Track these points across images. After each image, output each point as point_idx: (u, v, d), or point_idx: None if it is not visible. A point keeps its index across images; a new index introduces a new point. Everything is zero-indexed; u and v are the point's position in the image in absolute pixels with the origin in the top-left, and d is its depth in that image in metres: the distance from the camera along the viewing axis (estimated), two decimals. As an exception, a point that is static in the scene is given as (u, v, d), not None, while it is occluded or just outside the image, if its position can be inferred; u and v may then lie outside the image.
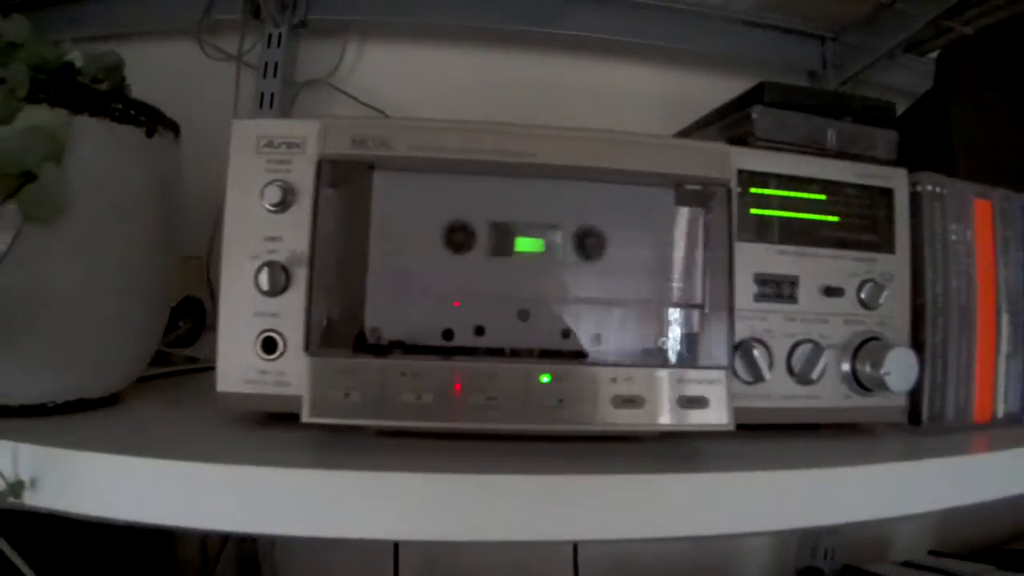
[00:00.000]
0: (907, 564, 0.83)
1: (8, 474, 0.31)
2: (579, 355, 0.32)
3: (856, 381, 0.39)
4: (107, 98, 0.37)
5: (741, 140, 0.39)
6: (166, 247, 0.41)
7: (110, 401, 0.41)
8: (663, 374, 0.31)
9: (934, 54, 0.86)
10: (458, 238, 0.32)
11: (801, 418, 0.38)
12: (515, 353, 0.31)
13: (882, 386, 0.38)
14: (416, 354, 0.31)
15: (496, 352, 0.31)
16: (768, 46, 0.89)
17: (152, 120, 0.39)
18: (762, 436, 0.38)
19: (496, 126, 0.32)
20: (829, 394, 0.38)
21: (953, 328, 0.44)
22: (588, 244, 0.32)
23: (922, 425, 0.42)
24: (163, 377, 0.52)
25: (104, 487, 0.31)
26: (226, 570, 0.83)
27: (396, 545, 0.77)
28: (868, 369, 0.38)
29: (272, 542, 0.82)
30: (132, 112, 0.38)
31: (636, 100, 0.91)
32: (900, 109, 0.84)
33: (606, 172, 0.32)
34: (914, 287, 0.42)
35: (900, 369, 0.38)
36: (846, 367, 0.39)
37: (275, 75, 0.81)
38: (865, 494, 0.33)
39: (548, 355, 0.31)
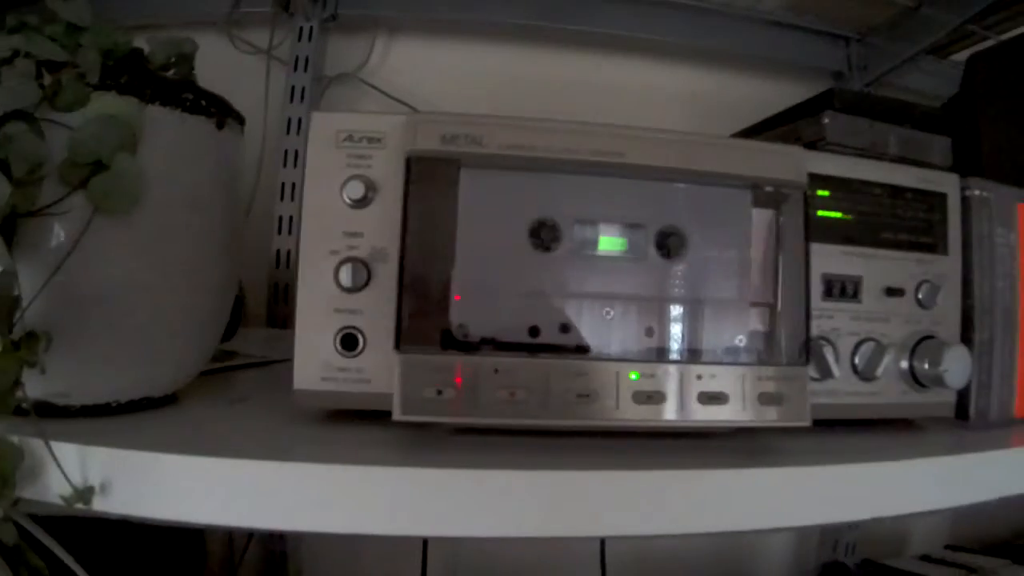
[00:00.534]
0: (925, 558, 0.85)
1: (76, 479, 0.30)
2: (661, 352, 0.33)
3: (913, 378, 0.40)
4: (179, 87, 0.36)
5: (810, 144, 0.40)
6: (233, 241, 0.41)
7: (170, 399, 0.40)
8: (746, 371, 0.32)
9: (955, 57, 0.88)
10: (544, 236, 0.33)
11: (863, 414, 0.39)
12: (601, 351, 0.32)
13: (939, 382, 0.39)
14: (505, 351, 0.32)
15: (581, 349, 0.32)
16: (794, 47, 0.91)
17: (222, 111, 0.39)
18: (821, 431, 0.39)
19: (587, 125, 0.33)
20: (888, 390, 0.40)
21: (998, 328, 0.45)
22: (670, 243, 0.33)
23: (970, 420, 0.44)
24: (213, 373, 0.52)
25: (182, 490, 0.30)
26: (250, 564, 0.83)
27: (425, 541, 0.77)
28: (926, 367, 0.39)
29: (299, 538, 0.83)
30: (203, 103, 0.37)
31: (662, 97, 0.92)
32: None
33: (690, 173, 0.33)
34: (964, 288, 0.43)
35: (957, 366, 0.39)
36: (904, 364, 0.40)
37: (306, 69, 0.82)
38: (939, 484, 0.34)
39: (631, 352, 0.32)
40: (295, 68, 0.82)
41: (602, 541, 0.79)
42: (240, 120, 0.42)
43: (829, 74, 0.94)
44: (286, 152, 0.80)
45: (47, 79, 0.33)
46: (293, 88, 0.82)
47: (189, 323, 0.38)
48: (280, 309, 0.81)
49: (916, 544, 0.93)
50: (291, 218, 0.81)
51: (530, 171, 0.33)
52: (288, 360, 0.58)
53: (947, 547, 0.90)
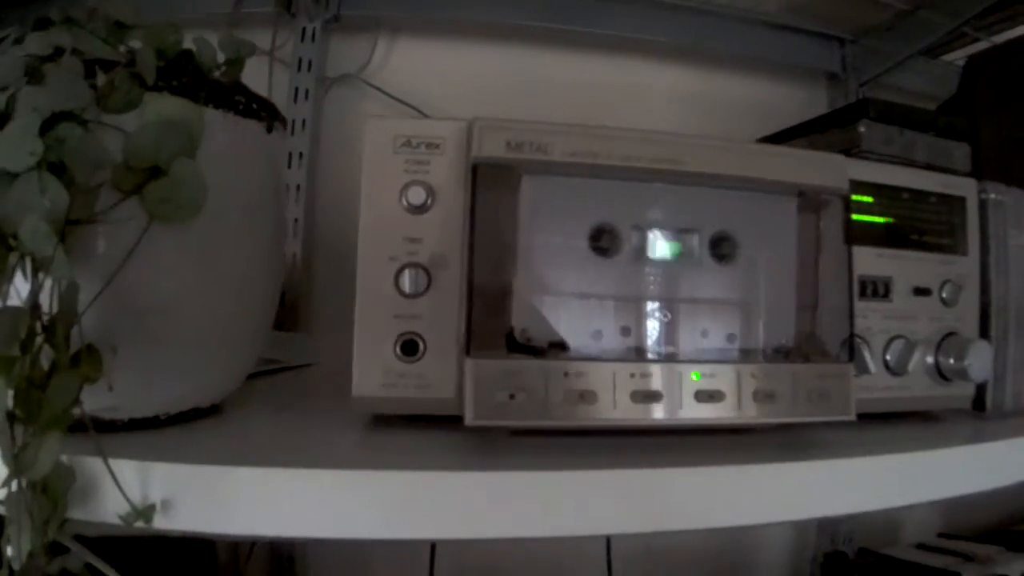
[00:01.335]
0: (920, 546, 0.89)
1: (135, 497, 0.29)
2: (718, 353, 0.34)
3: (939, 372, 0.43)
4: (231, 90, 0.36)
5: (844, 151, 0.43)
6: (279, 247, 0.41)
7: (214, 409, 0.39)
8: (796, 369, 0.34)
9: (947, 57, 0.92)
10: (604, 242, 0.34)
11: (893, 407, 0.42)
12: (661, 352, 0.34)
13: (963, 376, 0.42)
14: (572, 355, 0.33)
15: (642, 351, 0.34)
16: (790, 48, 0.94)
17: (271, 115, 0.39)
18: (854, 425, 0.41)
19: (647, 134, 0.34)
20: (916, 385, 0.42)
21: (1012, 324, 0.48)
22: (722, 248, 0.35)
23: (987, 411, 0.46)
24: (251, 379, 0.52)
25: (253, 503, 0.29)
26: (256, 567, 0.84)
27: (433, 545, 0.79)
28: (951, 362, 0.42)
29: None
30: (254, 106, 0.37)
31: (661, 97, 0.95)
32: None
33: (743, 180, 0.35)
34: (981, 286, 0.46)
35: (980, 361, 0.42)
36: (930, 360, 0.43)
37: (309, 70, 0.82)
38: (966, 471, 0.37)
39: (690, 353, 0.34)
40: (298, 69, 0.82)
41: (608, 539, 0.81)
42: (284, 124, 0.42)
43: (824, 75, 0.97)
44: (290, 154, 0.81)
45: (99, 78, 0.32)
46: (296, 89, 0.82)
47: (240, 331, 0.38)
48: (286, 312, 0.82)
49: (910, 533, 0.97)
50: (295, 220, 0.81)
51: (590, 177, 0.34)
52: (310, 365, 0.59)
53: (940, 535, 0.95)
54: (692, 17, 0.90)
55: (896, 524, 0.98)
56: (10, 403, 0.27)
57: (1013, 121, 0.67)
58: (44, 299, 0.28)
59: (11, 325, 0.28)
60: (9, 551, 0.28)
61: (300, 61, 0.82)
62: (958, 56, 0.92)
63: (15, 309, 0.28)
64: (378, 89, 0.86)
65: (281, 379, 0.54)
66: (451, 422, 0.35)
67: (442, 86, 0.89)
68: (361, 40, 0.88)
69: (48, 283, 0.28)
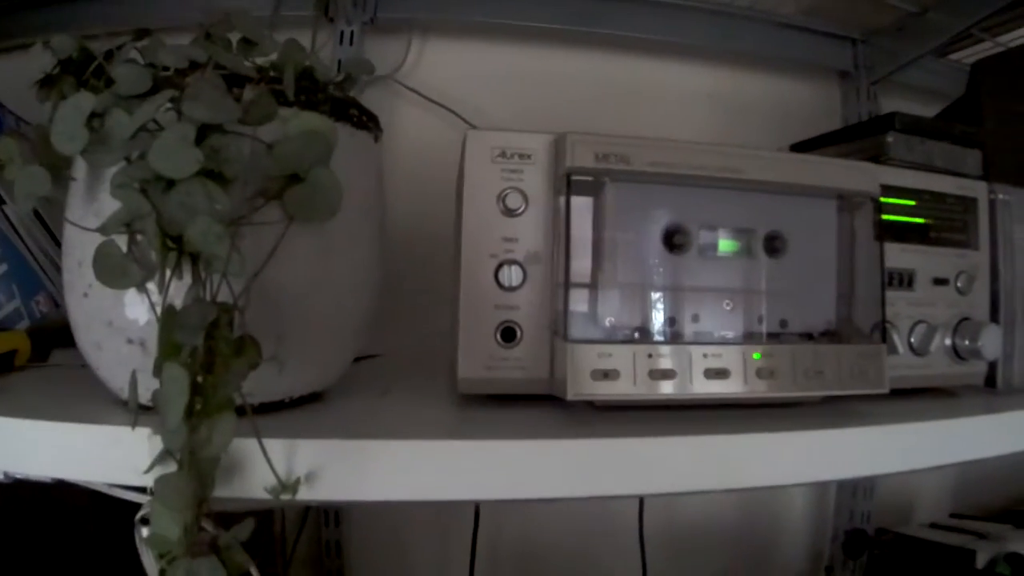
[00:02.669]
0: (933, 525, 0.98)
1: (281, 470, 0.33)
2: (774, 336, 0.43)
3: (955, 352, 0.51)
4: (348, 104, 0.43)
5: (874, 159, 0.51)
6: (383, 244, 0.48)
7: (320, 395, 0.45)
8: (839, 349, 0.42)
9: (954, 56, 1.00)
10: (677, 240, 0.42)
11: (916, 383, 0.50)
12: (726, 336, 0.42)
13: (977, 355, 0.51)
14: (653, 339, 0.41)
15: (709, 335, 0.42)
16: (806, 48, 1.02)
17: (376, 126, 0.46)
18: (883, 399, 0.49)
19: (714, 146, 0.42)
20: (935, 364, 0.51)
21: (1019, 309, 0.57)
22: (775, 245, 0.43)
23: (998, 387, 0.55)
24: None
25: (383, 472, 0.35)
26: (301, 551, 0.91)
27: (476, 523, 0.86)
28: (966, 343, 0.51)
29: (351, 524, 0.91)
30: (364, 118, 0.44)
31: (683, 97, 1.03)
32: (920, 106, 0.98)
33: (793, 186, 0.43)
34: (992, 276, 0.55)
35: (991, 342, 0.51)
36: (948, 341, 0.51)
37: (348, 72, 0.89)
38: (988, 438, 0.45)
39: (751, 336, 0.42)
40: (337, 71, 0.89)
41: (641, 501, 0.89)
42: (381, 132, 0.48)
43: (837, 73, 1.06)
44: (330, 154, 0.87)
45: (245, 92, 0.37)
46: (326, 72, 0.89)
47: (355, 321, 0.45)
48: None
49: (923, 514, 1.07)
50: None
51: (664, 184, 0.42)
52: (378, 355, 0.66)
53: (952, 515, 1.04)
54: (712, 18, 0.98)
55: (908, 505, 1.08)
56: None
57: (1018, 123, 0.76)
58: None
59: (200, 317, 0.33)
60: (145, 532, 0.33)
61: (339, 64, 0.89)
62: (967, 55, 1.01)
63: (204, 304, 0.35)
64: (412, 90, 0.94)
65: (362, 368, 0.61)
66: (535, 400, 0.43)
67: (472, 86, 0.97)
68: (394, 42, 0.95)
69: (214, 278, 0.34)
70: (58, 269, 0.67)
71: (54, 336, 0.61)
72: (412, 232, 0.82)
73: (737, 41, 1.00)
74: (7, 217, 0.66)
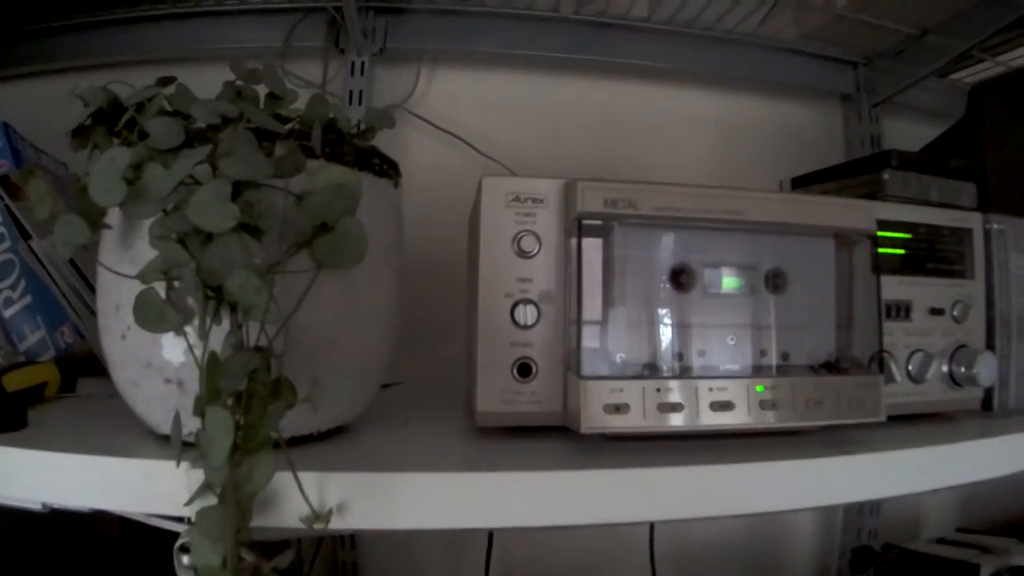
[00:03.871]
0: (940, 540, 1.00)
1: (314, 501, 0.36)
2: (777, 369, 0.46)
3: (951, 379, 0.54)
4: (369, 154, 0.45)
5: (871, 195, 0.54)
6: (401, 283, 0.50)
7: (346, 427, 0.48)
8: (838, 381, 0.45)
9: (957, 75, 1.03)
10: (683, 279, 0.45)
11: (914, 410, 0.53)
12: (731, 370, 0.45)
13: (973, 382, 0.53)
14: (662, 374, 0.44)
15: (714, 370, 0.45)
16: (808, 72, 1.05)
17: (396, 172, 0.49)
18: (881, 425, 0.52)
19: (716, 190, 0.45)
20: (932, 390, 0.54)
21: (1014, 336, 0.59)
22: (776, 282, 0.46)
23: (994, 411, 0.58)
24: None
25: (410, 502, 0.38)
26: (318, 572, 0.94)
27: (490, 546, 0.89)
28: (962, 370, 0.54)
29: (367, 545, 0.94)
30: (385, 166, 0.46)
31: (688, 122, 1.06)
32: (922, 126, 1.01)
33: (792, 226, 0.46)
34: (987, 304, 0.57)
35: (986, 368, 0.53)
36: (944, 369, 0.54)
37: (360, 103, 0.92)
38: (985, 461, 0.48)
39: (754, 369, 0.45)
40: (349, 102, 0.93)
41: (651, 527, 0.92)
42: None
43: (839, 96, 1.09)
44: (342, 182, 0.91)
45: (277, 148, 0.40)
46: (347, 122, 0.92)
47: (379, 357, 0.48)
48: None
49: (931, 529, 1.09)
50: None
51: (669, 226, 0.45)
52: (396, 384, 0.69)
53: (958, 530, 1.06)
54: (715, 45, 1.01)
55: (916, 520, 1.10)
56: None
57: (1017, 147, 0.78)
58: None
59: (243, 365, 0.36)
60: (186, 560, 0.37)
61: (351, 94, 0.93)
62: (968, 74, 1.04)
63: (246, 352, 0.37)
64: (422, 119, 0.97)
65: (380, 395, 0.64)
66: (549, 431, 0.46)
67: (481, 114, 1.00)
68: (404, 71, 0.99)
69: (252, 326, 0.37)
70: (82, 300, 0.71)
71: (79, 366, 0.64)
72: (423, 258, 0.85)
73: (740, 67, 1.03)
74: (32, 250, 0.69)
